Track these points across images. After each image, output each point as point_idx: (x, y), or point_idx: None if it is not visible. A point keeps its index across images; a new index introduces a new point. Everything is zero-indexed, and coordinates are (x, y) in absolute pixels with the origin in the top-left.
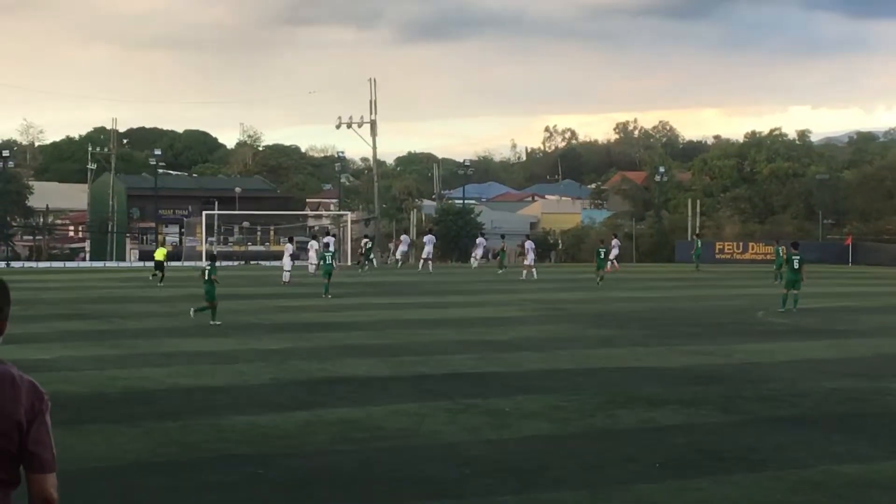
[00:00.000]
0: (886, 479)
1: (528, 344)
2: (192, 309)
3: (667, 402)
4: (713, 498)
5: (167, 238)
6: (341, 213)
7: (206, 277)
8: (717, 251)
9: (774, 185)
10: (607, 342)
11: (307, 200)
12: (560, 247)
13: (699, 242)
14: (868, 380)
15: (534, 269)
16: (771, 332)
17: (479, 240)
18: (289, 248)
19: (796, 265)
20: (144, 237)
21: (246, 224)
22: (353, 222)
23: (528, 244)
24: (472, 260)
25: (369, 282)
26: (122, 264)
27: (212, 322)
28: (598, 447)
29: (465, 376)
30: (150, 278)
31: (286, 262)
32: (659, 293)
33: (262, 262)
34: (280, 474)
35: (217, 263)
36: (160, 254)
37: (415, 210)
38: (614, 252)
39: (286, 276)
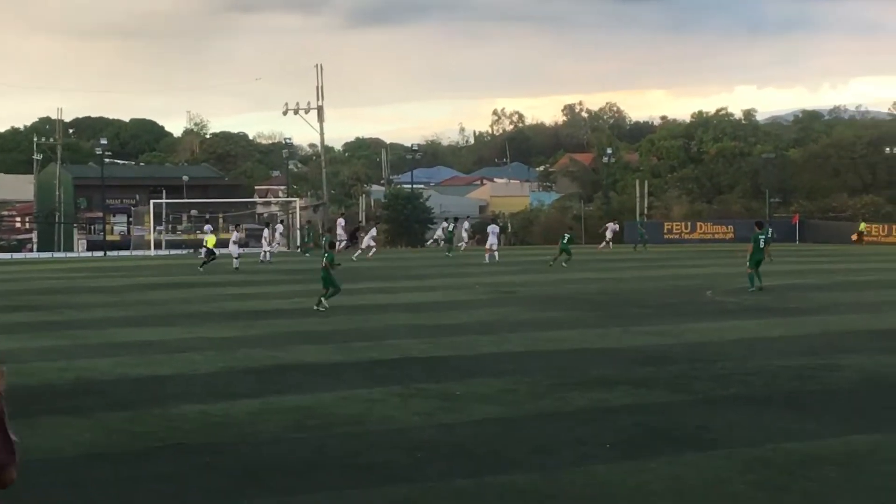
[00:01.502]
0: (836, 456)
1: (478, 327)
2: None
3: (617, 382)
4: (664, 478)
5: (114, 227)
6: (289, 199)
7: (323, 265)
8: (665, 231)
9: (721, 165)
10: (557, 324)
11: (255, 187)
12: (509, 230)
13: (639, 223)
14: (817, 357)
15: (491, 254)
16: (720, 312)
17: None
18: (234, 235)
19: (762, 244)
20: (92, 227)
21: (194, 212)
22: (301, 209)
23: (491, 228)
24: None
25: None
26: (69, 255)
27: (314, 307)
28: (550, 429)
29: (416, 361)
30: (202, 266)
31: (233, 249)
32: (609, 274)
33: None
34: (231, 463)
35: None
36: (211, 241)
37: (363, 195)
38: (609, 235)
39: (235, 263)
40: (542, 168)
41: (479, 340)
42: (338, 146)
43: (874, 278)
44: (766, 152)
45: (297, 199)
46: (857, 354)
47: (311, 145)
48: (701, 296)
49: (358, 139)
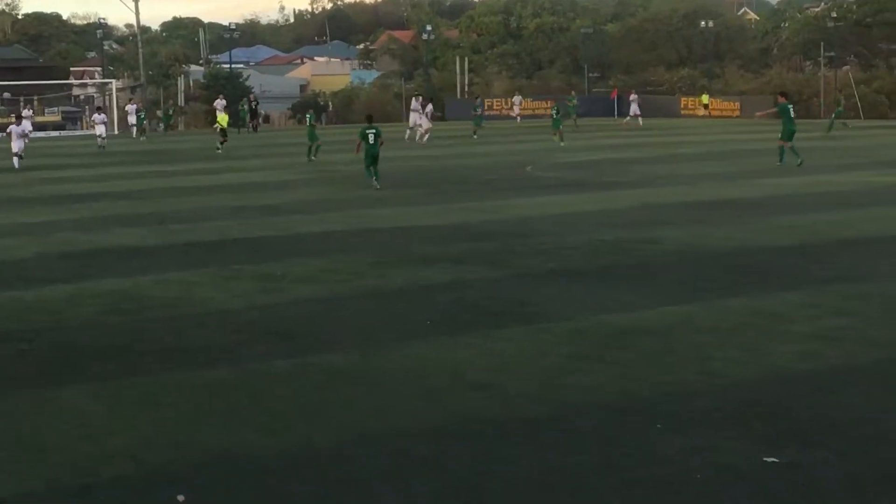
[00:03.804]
0: (651, 326)
1: (299, 207)
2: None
3: (438, 260)
4: (484, 353)
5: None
6: (106, 81)
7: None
8: (486, 108)
9: (541, 41)
10: (379, 202)
11: (71, 69)
12: (330, 108)
13: (573, 99)
14: (634, 230)
15: (417, 130)
16: (540, 187)
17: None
18: (27, 112)
19: (792, 114)
20: None
21: (7, 95)
22: (118, 90)
23: (415, 104)
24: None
25: (138, 150)
26: None
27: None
28: (370, 307)
29: (235, 242)
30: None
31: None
32: (430, 152)
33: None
34: (46, 349)
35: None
36: (223, 120)
37: (182, 76)
38: (634, 108)
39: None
40: (362, 46)
41: (299, 220)
42: (155, 26)
43: (690, 151)
44: (585, 27)
45: (113, 80)
46: (673, 227)
47: (128, 25)
48: (521, 172)
49: (175, 19)
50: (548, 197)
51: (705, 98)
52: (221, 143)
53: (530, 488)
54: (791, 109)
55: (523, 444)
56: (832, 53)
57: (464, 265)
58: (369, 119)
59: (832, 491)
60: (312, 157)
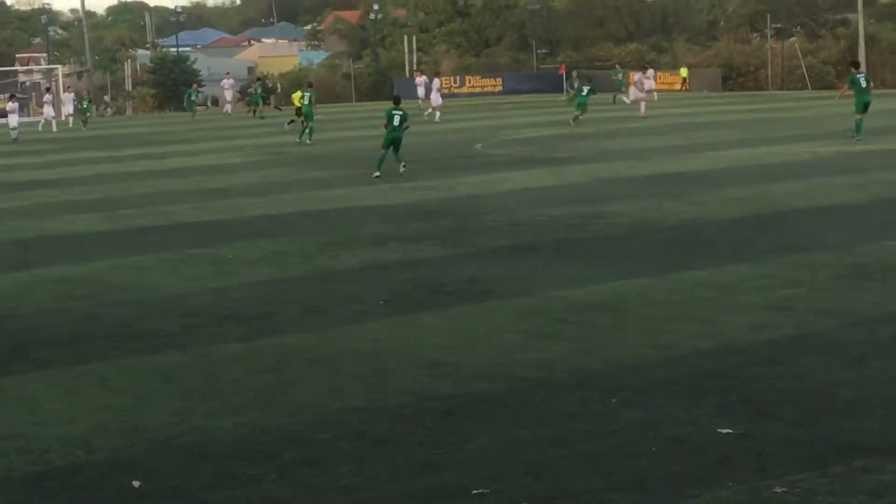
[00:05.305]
0: (603, 301)
1: (248, 190)
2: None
3: (389, 239)
4: (437, 331)
5: None
6: (52, 67)
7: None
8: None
9: (488, 18)
10: (328, 183)
11: (17, 56)
12: (279, 90)
13: (618, 73)
14: (585, 205)
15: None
16: (490, 164)
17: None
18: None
19: (863, 83)
20: None
21: None
22: (65, 76)
23: (435, 83)
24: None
25: (86, 136)
26: None
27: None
28: (323, 289)
29: (185, 226)
30: (287, 125)
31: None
32: (378, 131)
33: None
34: None
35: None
36: (297, 98)
37: (129, 60)
38: (649, 83)
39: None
40: (309, 27)
41: (249, 203)
42: (100, 11)
43: (640, 125)
44: (532, 3)
45: (59, 66)
46: (624, 201)
47: (73, 10)
48: (471, 149)
49: (121, 3)
50: (498, 174)
51: (684, 72)
52: (292, 122)
53: (487, 465)
54: (861, 80)
55: (479, 421)
56: (779, 25)
57: (416, 244)
58: (396, 101)
59: (787, 461)
60: (308, 141)
